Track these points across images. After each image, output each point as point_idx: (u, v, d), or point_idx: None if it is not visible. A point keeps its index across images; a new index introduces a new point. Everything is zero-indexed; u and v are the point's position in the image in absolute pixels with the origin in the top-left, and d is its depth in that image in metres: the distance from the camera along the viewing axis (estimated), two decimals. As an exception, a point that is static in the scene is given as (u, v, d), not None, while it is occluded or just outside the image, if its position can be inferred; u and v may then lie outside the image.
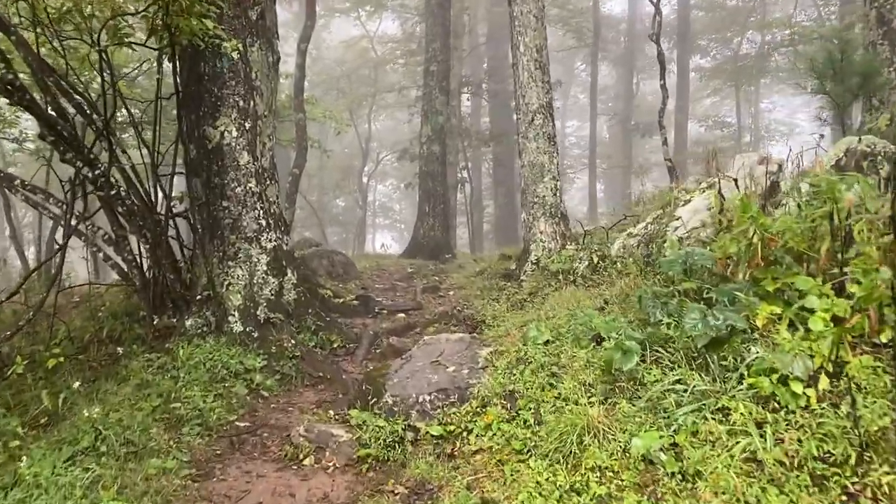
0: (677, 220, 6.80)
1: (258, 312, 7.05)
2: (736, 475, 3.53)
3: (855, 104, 10.83)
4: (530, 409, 4.83)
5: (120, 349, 6.72)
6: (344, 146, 37.13)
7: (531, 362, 5.38)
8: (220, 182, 7.07)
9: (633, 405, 4.33)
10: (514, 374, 5.29)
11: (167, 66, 7.15)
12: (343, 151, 36.55)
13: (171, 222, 7.37)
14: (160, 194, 7.27)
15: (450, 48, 16.79)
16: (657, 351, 4.78)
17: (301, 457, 5.01)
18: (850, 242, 4.75)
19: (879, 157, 6.79)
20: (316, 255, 10.64)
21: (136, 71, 9.34)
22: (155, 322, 7.08)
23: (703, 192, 7.31)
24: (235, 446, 5.33)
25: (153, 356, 6.48)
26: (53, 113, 6.36)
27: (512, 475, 4.23)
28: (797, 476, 3.47)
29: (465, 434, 4.88)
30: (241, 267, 7.08)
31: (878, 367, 3.97)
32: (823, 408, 3.77)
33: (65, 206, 6.95)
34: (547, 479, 4.03)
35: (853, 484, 3.40)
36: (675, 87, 33.96)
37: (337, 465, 4.88)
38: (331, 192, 36.21)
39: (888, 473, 3.34)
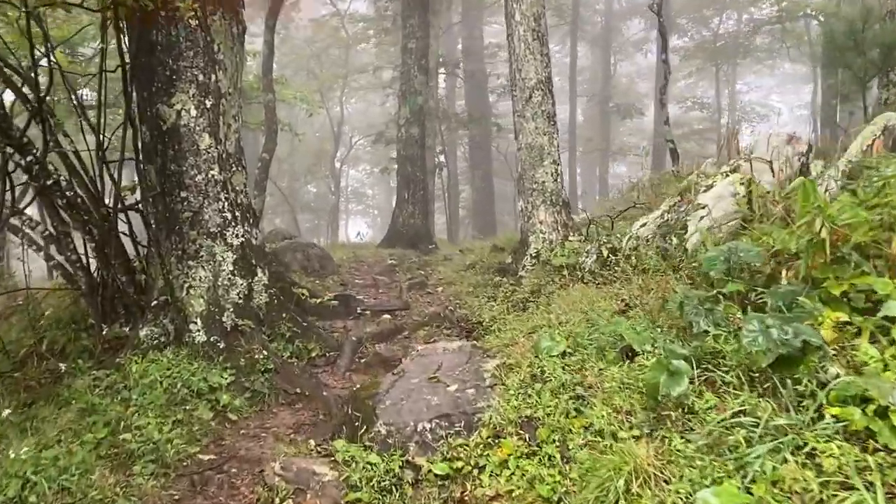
0: (702, 208, 5.99)
1: (224, 319, 6.13)
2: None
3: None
4: (555, 441, 4.00)
5: (62, 365, 5.77)
6: (315, 130, 35.95)
7: (549, 380, 4.56)
8: (177, 169, 6.11)
9: (689, 442, 3.51)
10: (530, 396, 4.46)
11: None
12: (314, 136, 35.36)
13: (121, 216, 6.41)
14: (108, 184, 6.30)
15: (428, 24, 15.81)
16: (707, 369, 3.98)
17: (277, 501, 4.12)
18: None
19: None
20: (289, 248, 9.70)
21: (79, 39, 8.27)
22: (104, 332, 6.14)
23: (726, 176, 6.52)
24: (197, 487, 4.43)
25: (101, 373, 5.55)
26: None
27: (544, 536, 3.41)
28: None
29: (475, 473, 4.03)
30: (203, 267, 6.15)
31: None
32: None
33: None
34: (592, 545, 3.22)
35: None
36: (654, 68, 33.28)
37: (321, 514, 4.02)
38: (302, 177, 35.05)
39: None
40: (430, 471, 4.11)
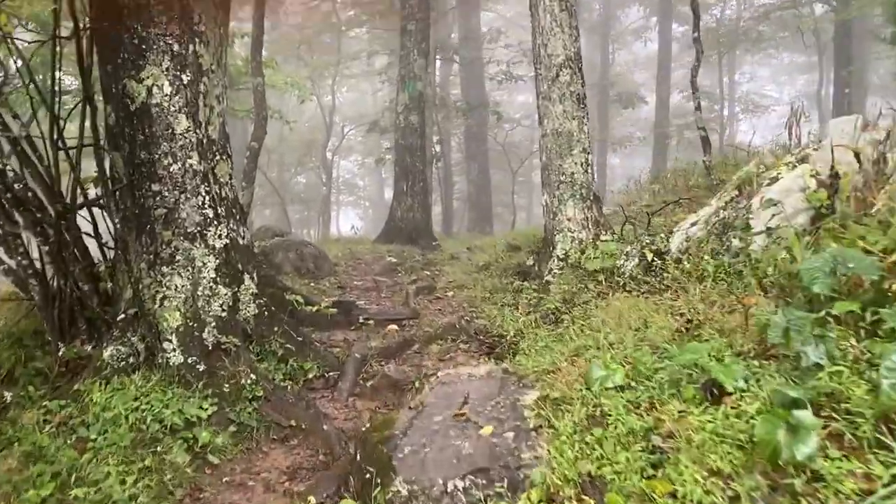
0: (774, 204, 5.05)
1: (205, 336, 5.16)
2: None
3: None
4: (634, 514, 3.07)
5: (8, 394, 4.79)
6: (305, 120, 34.84)
7: (612, 424, 3.62)
8: (147, 157, 5.12)
9: (833, 531, 2.58)
10: (590, 445, 3.51)
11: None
12: (305, 125, 34.24)
13: (84, 214, 5.43)
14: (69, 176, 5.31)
15: (429, 4, 14.78)
16: (828, 418, 3.05)
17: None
18: None
19: None
20: (280, 247, 8.71)
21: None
22: (61, 352, 5.16)
23: (793, 167, 5.58)
24: (167, 565, 3.48)
25: (54, 405, 4.58)
26: None
27: None
28: None
29: (532, 558, 3.10)
30: (179, 274, 5.17)
31: None
32: None
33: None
34: None
35: None
36: (657, 57, 32.37)
37: None
38: (292, 168, 33.93)
39: None
40: (470, 553, 3.18)
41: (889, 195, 4.23)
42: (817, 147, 5.58)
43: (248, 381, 5.01)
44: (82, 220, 5.60)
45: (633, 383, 4.03)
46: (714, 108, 33.40)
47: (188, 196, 5.23)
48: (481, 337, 6.17)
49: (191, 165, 5.24)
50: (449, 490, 3.43)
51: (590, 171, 6.87)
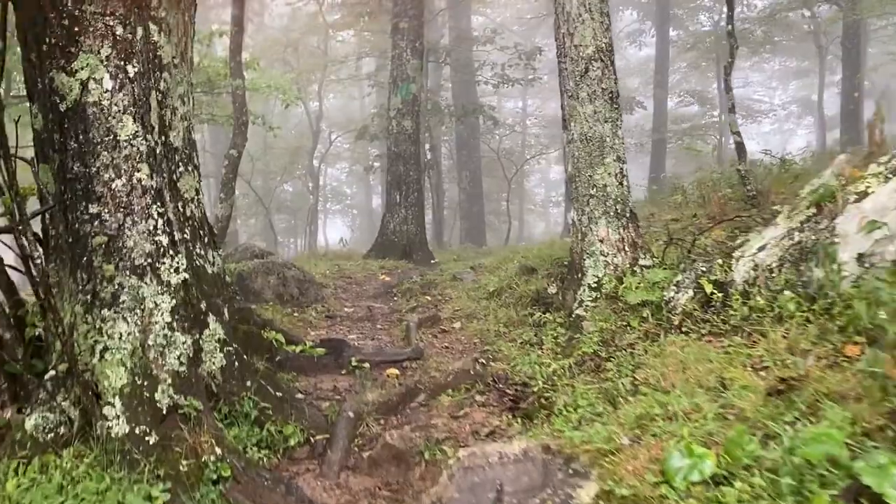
0: (880, 226, 4.01)
1: (157, 397, 4.05)
2: None
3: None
4: None
5: None
6: (291, 126, 33.68)
7: (718, 549, 2.56)
8: (82, 170, 4.02)
9: None
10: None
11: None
12: (290, 132, 33.06)
13: (7, 239, 4.31)
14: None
15: (422, 1, 13.73)
16: None
17: None
18: None
19: None
20: (260, 270, 7.58)
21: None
22: (-28, 419, 4.03)
23: (886, 178, 4.54)
24: None
25: (-49, 498, 3.46)
26: None
27: None
28: None
29: None
30: (125, 318, 4.06)
31: None
32: None
33: None
34: None
35: None
36: (654, 61, 31.48)
37: None
38: (278, 176, 32.72)
39: None
40: None
41: None
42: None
43: (213, 458, 3.90)
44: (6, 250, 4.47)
45: (728, 476, 2.97)
46: (711, 114, 32.53)
47: (136, 219, 4.12)
48: (501, 385, 5.08)
49: (139, 180, 4.14)
50: None
51: (625, 182, 5.81)
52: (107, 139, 4.04)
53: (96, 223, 4.03)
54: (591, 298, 5.51)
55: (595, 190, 5.73)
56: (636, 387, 4.19)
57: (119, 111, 4.08)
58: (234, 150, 11.59)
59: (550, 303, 6.22)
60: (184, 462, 3.86)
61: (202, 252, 5.59)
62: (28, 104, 4.28)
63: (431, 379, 5.31)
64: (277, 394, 4.67)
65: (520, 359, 5.40)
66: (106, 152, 4.04)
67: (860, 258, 4.25)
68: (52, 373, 4.07)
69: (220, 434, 4.12)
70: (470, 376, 5.23)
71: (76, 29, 3.96)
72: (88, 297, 4.05)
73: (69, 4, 3.91)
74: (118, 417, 3.89)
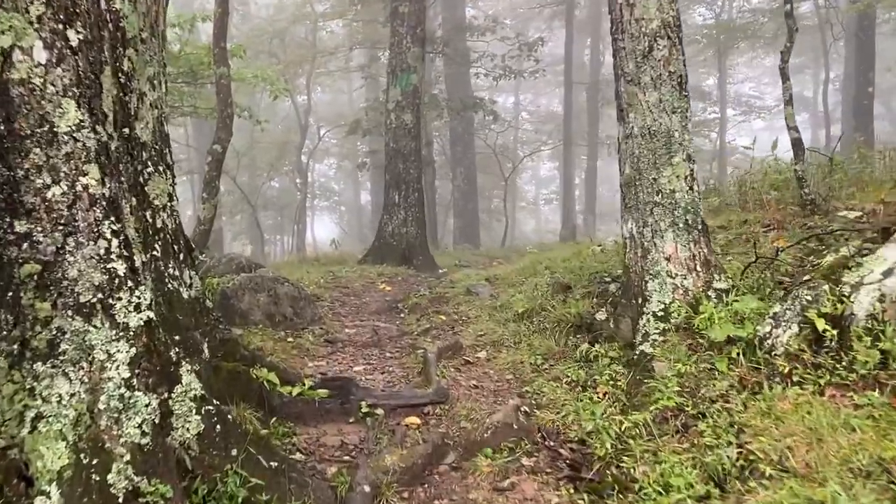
0: None
1: (111, 481, 2.98)
2: None
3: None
4: None
5: None
6: (279, 121, 32.43)
7: None
8: (5, 174, 2.94)
9: None
10: None
11: None
12: (277, 127, 31.81)
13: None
14: None
15: (424, -17, 12.62)
16: None
17: None
18: None
19: None
20: (248, 287, 6.44)
21: None
22: None
23: None
24: None
25: None
26: None
27: None
28: None
29: None
30: (66, 374, 2.99)
31: None
32: None
33: None
34: None
35: None
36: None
37: None
38: (265, 172, 31.48)
39: None
40: None
41: None
42: None
43: (185, 569, 2.84)
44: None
45: None
46: (713, 110, 31.64)
47: (80, 240, 3.04)
48: (554, 444, 4.03)
49: (85, 187, 3.06)
50: None
51: (696, 187, 4.78)
52: (40, 131, 2.95)
53: (25, 246, 2.95)
54: (657, 330, 4.47)
55: (661, 196, 4.69)
56: (749, 462, 3.16)
57: (57, 93, 3.00)
58: (217, 146, 10.46)
59: (599, 331, 5.19)
60: (145, 577, 2.80)
61: (176, 272, 4.55)
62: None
63: (462, 431, 4.26)
64: (271, 463, 3.59)
65: (571, 405, 4.35)
66: (38, 149, 2.95)
67: None
68: (-35, 450, 2.98)
69: (195, 530, 3.06)
70: (512, 430, 4.18)
71: (-6, -22, 2.88)
72: (15, 346, 2.97)
73: (-18, -58, 2.82)
74: (55, 513, 2.82)
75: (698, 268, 4.63)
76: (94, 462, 2.98)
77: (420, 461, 3.95)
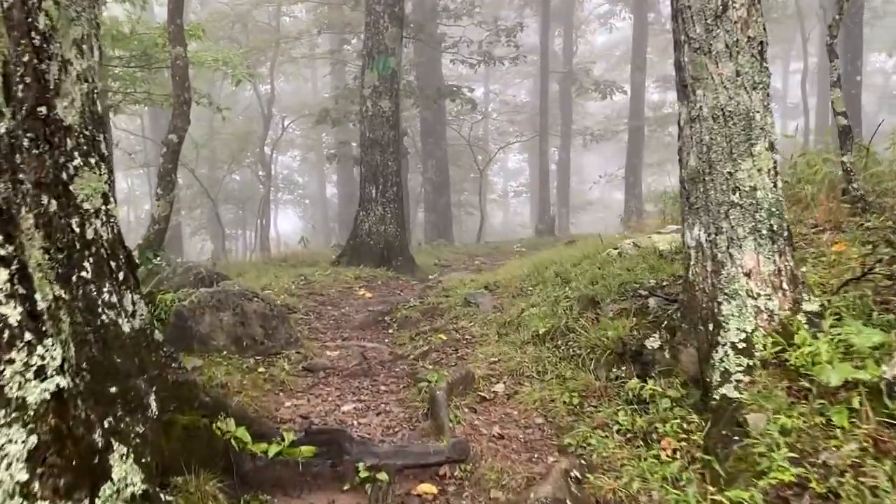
0: None
1: None
2: None
3: None
4: None
5: None
6: (240, 111, 30.93)
7: None
8: None
9: None
10: None
11: None
12: (239, 118, 30.34)
13: None
14: None
15: (401, -42, 11.50)
16: None
17: None
18: None
19: None
20: (209, 304, 5.28)
21: None
22: None
23: None
24: None
25: None
26: None
27: None
28: None
29: None
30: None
31: None
32: None
33: None
34: None
35: None
36: (631, 42, 29.71)
37: None
38: (225, 165, 29.99)
39: None
40: None
41: None
42: None
43: None
44: None
45: None
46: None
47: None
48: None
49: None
50: None
51: (779, 183, 3.82)
52: None
53: None
54: (741, 368, 3.52)
55: (738, 195, 3.72)
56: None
57: None
58: (173, 135, 9.27)
59: (650, 361, 4.22)
60: None
61: (113, 299, 3.47)
62: None
63: (494, 505, 3.25)
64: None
65: (633, 467, 3.37)
66: None
67: None
68: None
69: None
70: (560, 504, 3.18)
71: None
72: None
73: None
74: None
75: (784, 285, 3.68)
76: None
77: (445, 554, 2.94)
